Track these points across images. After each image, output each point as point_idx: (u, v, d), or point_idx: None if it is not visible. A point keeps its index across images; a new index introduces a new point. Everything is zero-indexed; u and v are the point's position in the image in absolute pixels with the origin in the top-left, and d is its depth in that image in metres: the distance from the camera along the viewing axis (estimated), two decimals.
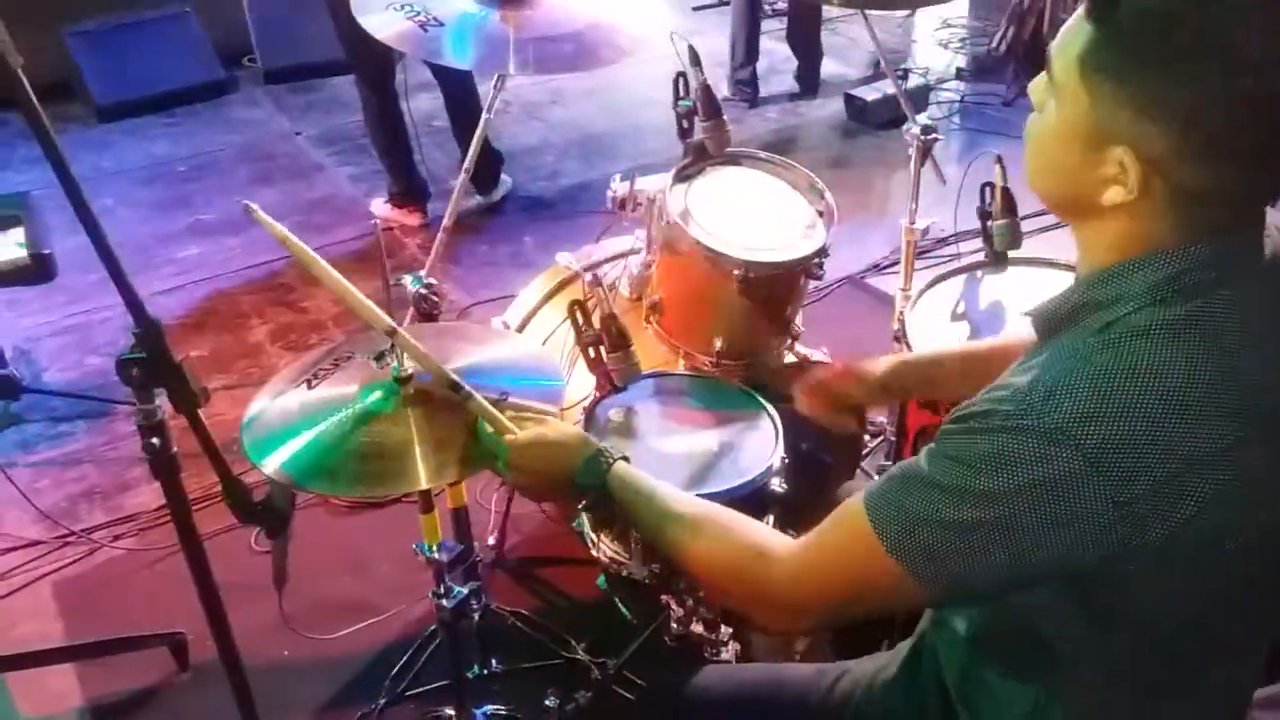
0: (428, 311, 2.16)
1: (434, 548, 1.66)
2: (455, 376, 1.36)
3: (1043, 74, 1.01)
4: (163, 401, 1.29)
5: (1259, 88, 0.86)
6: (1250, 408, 0.93)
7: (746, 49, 4.96)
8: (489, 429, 1.36)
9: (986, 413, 0.96)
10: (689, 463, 1.74)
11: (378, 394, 1.50)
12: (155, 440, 1.30)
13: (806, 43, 5.11)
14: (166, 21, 5.09)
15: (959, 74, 5.26)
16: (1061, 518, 0.92)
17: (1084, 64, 0.93)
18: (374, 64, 3.67)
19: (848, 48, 5.51)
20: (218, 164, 4.57)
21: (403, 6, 2.15)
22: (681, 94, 2.06)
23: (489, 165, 4.06)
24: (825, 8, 5.27)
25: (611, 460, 1.29)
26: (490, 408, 1.36)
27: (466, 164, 2.45)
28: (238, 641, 1.50)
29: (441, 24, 2.14)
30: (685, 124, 2.06)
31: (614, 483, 1.28)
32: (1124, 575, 0.96)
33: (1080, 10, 0.95)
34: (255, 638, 1.95)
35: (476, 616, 1.89)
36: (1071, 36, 0.96)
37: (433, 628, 2.15)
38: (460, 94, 3.89)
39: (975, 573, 0.98)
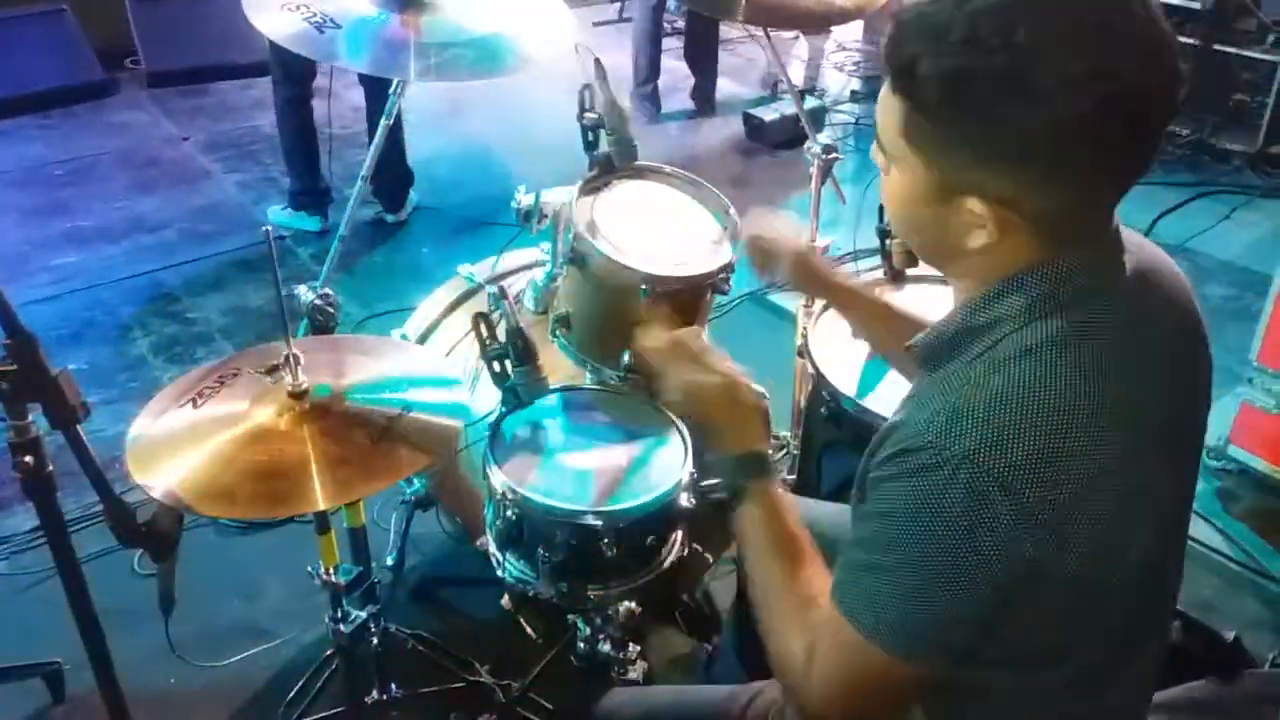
0: (323, 324, 2.10)
1: (331, 570, 1.59)
2: None
3: (875, 142, 1.04)
4: (37, 416, 1.22)
5: (1069, 108, 0.88)
6: (1135, 418, 0.97)
7: (649, 65, 4.99)
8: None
9: (895, 454, 0.98)
10: (598, 478, 1.71)
11: (271, 410, 1.45)
12: (28, 458, 1.22)
13: (703, 61, 5.17)
14: (39, 18, 4.87)
15: (853, 96, 5.38)
16: (987, 545, 0.93)
17: (907, 134, 0.97)
18: (295, 57, 3.57)
19: (745, 68, 5.59)
20: (97, 169, 4.38)
21: (298, 7, 2.09)
22: (587, 106, 2.04)
23: (399, 182, 3.99)
24: (723, 27, 5.34)
25: (770, 471, 1.25)
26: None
27: (364, 171, 2.39)
28: (119, 671, 1.43)
29: (339, 26, 2.09)
30: (591, 137, 2.04)
31: (756, 492, 1.23)
32: (1040, 600, 0.96)
33: (885, 86, 0.98)
34: (139, 666, 1.85)
35: (375, 640, 1.83)
36: (886, 111, 0.99)
37: (329, 652, 2.08)
38: (381, 102, 3.82)
39: (947, 631, 0.98)
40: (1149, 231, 3.72)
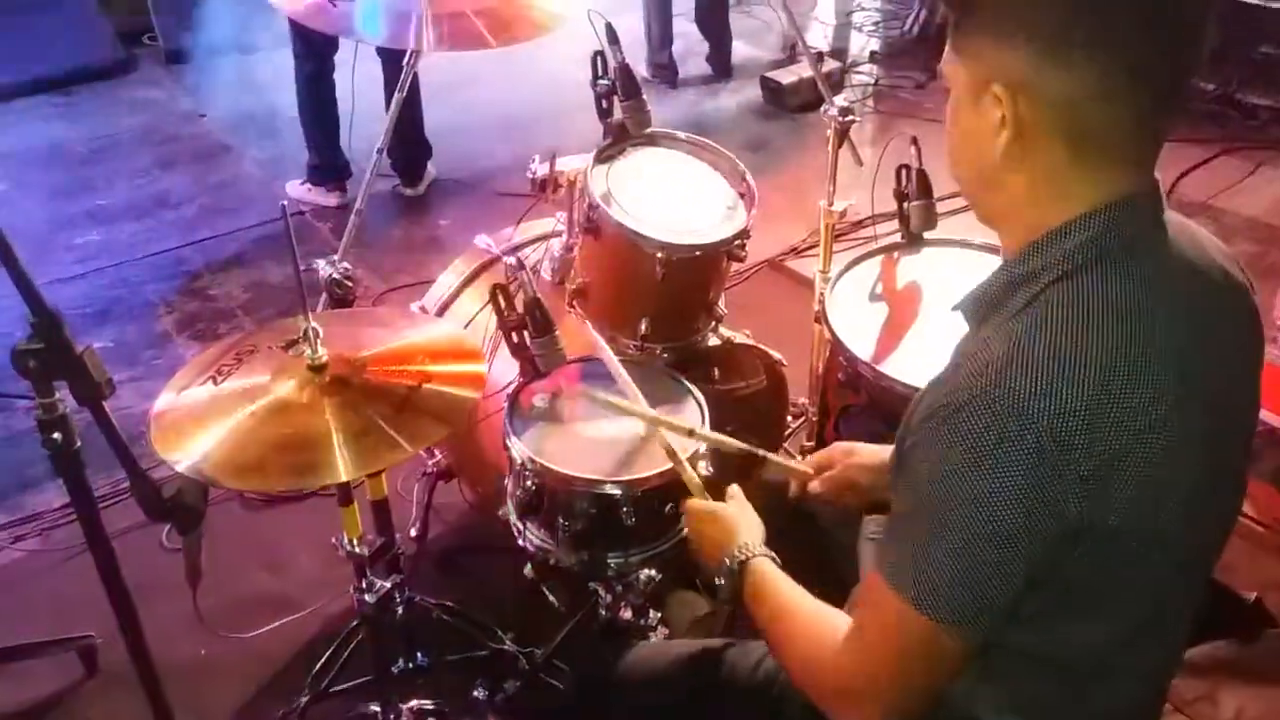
0: (341, 297, 2.10)
1: (355, 541, 1.61)
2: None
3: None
4: (64, 394, 1.23)
5: None
6: (1175, 370, 0.95)
7: (661, 31, 4.94)
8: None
9: (937, 410, 0.97)
10: (616, 447, 1.73)
11: (291, 384, 1.46)
12: (57, 435, 1.24)
13: (715, 25, 5.11)
14: None
15: (872, 57, 5.32)
16: (1035, 497, 0.92)
17: (952, 40, 1.01)
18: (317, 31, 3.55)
19: (763, 31, 5.53)
20: (119, 146, 4.41)
21: None
22: (600, 73, 2.04)
23: (417, 155, 3.98)
24: None
25: (748, 555, 1.31)
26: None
27: (379, 144, 2.39)
28: (150, 643, 1.44)
29: None
30: (605, 104, 2.03)
31: (749, 576, 1.30)
32: (1084, 557, 0.96)
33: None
34: (169, 638, 1.86)
35: (400, 610, 1.85)
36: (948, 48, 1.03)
37: (355, 622, 2.11)
38: (399, 74, 3.81)
39: (993, 589, 0.97)
40: (1171, 190, 3.67)
